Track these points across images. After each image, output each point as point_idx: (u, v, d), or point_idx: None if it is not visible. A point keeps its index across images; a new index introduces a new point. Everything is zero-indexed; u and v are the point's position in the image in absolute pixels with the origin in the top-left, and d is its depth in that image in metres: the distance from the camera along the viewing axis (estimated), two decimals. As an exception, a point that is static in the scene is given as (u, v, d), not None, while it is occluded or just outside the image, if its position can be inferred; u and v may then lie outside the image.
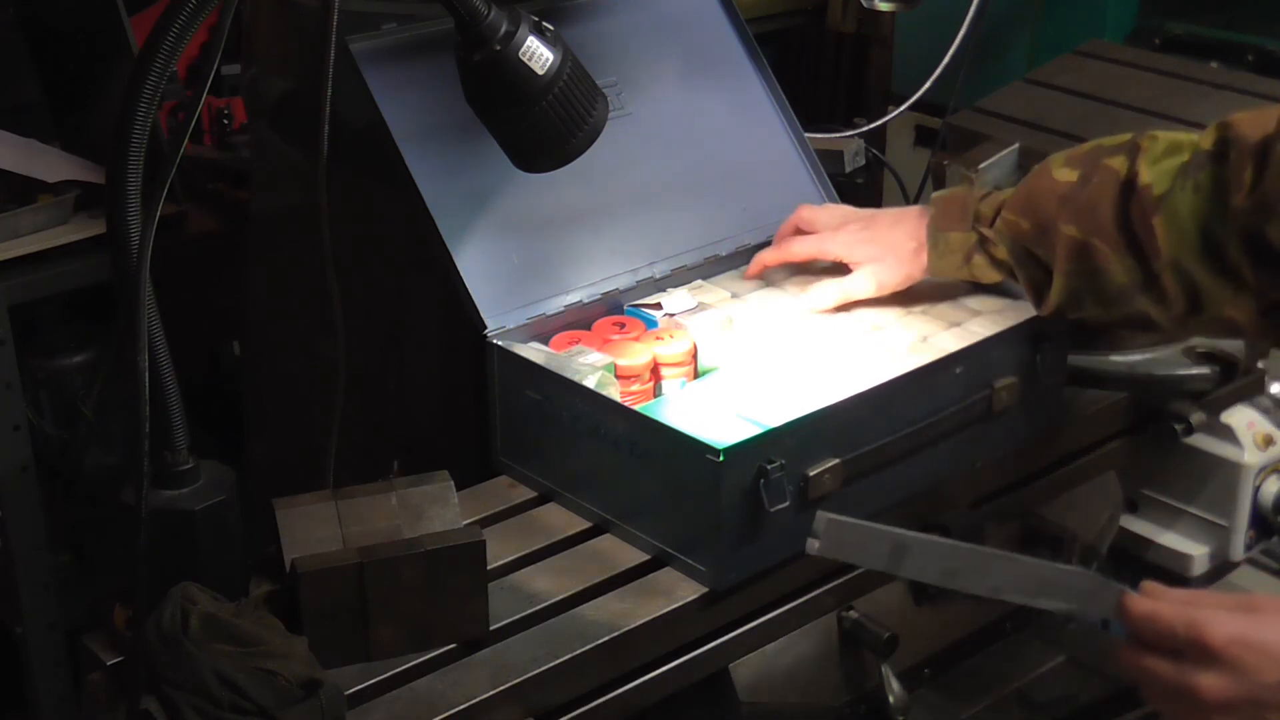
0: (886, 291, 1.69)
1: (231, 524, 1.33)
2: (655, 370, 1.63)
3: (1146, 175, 1.45)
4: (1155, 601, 1.17)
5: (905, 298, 1.72)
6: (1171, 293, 1.45)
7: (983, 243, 1.60)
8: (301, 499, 1.38)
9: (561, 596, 1.43)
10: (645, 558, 1.48)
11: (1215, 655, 1.11)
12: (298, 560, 1.31)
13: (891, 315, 1.70)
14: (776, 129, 1.91)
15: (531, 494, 1.60)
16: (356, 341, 1.50)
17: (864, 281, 1.68)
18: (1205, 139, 1.44)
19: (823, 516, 1.19)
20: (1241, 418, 1.94)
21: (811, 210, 1.76)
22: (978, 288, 1.75)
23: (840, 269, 1.72)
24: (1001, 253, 1.58)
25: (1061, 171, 1.53)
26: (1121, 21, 2.46)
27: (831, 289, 1.69)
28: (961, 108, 2.22)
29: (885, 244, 1.68)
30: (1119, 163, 1.48)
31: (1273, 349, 1.93)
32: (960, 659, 1.73)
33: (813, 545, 1.20)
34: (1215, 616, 1.13)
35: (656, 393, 1.63)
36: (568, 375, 1.53)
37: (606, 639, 1.37)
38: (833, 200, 1.91)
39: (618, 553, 1.49)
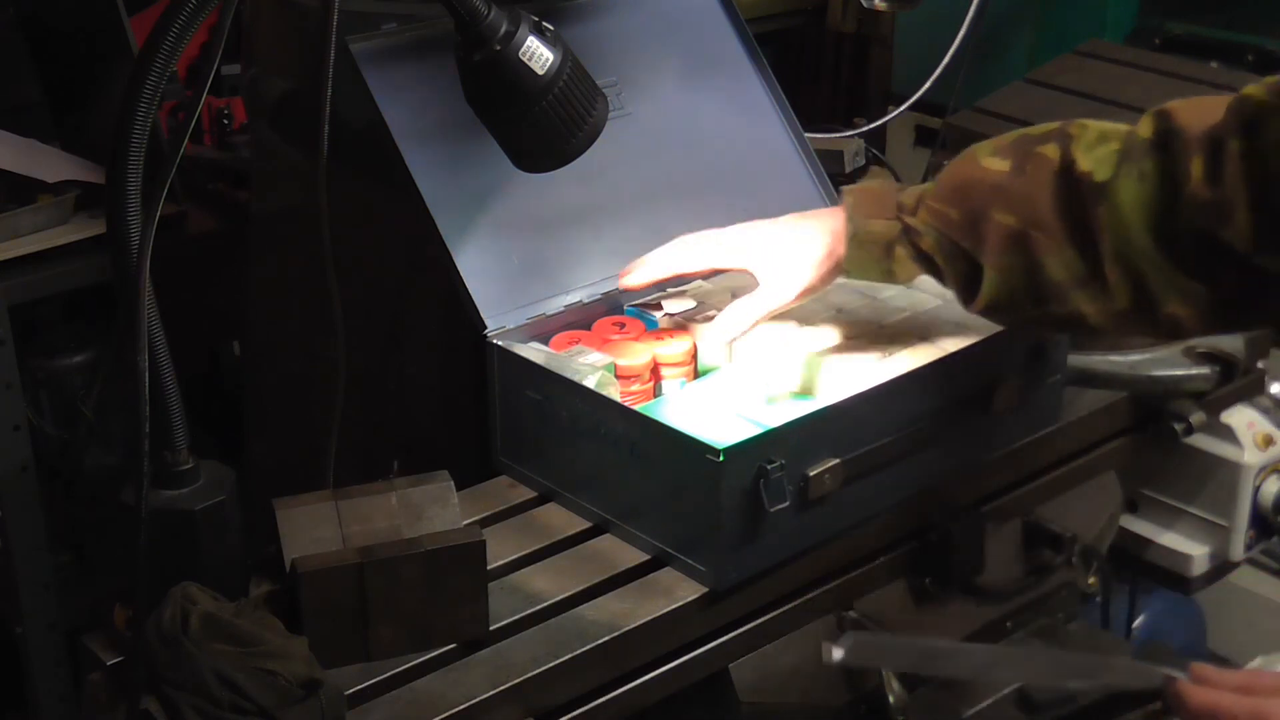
0: (805, 296, 1.56)
1: (231, 524, 1.33)
2: (655, 370, 1.63)
3: (1085, 162, 1.36)
4: (1213, 691, 1.14)
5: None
6: (1114, 287, 1.36)
7: (906, 233, 1.48)
8: (301, 499, 1.38)
9: (561, 596, 1.43)
10: (645, 558, 1.48)
11: None
12: (298, 560, 1.31)
13: (892, 314, 1.70)
14: (776, 129, 1.91)
15: (531, 494, 1.60)
16: (356, 341, 1.50)
17: (778, 289, 1.54)
18: (1143, 127, 1.36)
19: (849, 636, 1.17)
20: (1241, 418, 1.94)
21: (692, 237, 1.63)
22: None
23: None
24: (927, 244, 1.47)
25: (990, 160, 1.42)
26: (1121, 21, 2.46)
27: (742, 309, 1.56)
28: (961, 108, 2.22)
29: (791, 242, 1.55)
30: (1051, 150, 1.39)
31: (1273, 348, 1.93)
32: (960, 659, 1.73)
33: (835, 654, 1.17)
34: (1278, 705, 1.11)
35: (656, 393, 1.63)
36: (568, 375, 1.53)
37: (606, 639, 1.37)
38: (834, 201, 1.91)
39: (618, 553, 1.50)
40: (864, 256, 1.52)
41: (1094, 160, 1.36)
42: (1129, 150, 1.36)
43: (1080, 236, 1.37)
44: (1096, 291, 1.38)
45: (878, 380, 1.51)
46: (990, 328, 1.63)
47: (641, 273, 1.63)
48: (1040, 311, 1.42)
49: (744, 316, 1.56)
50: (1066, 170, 1.37)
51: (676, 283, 1.76)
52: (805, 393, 1.58)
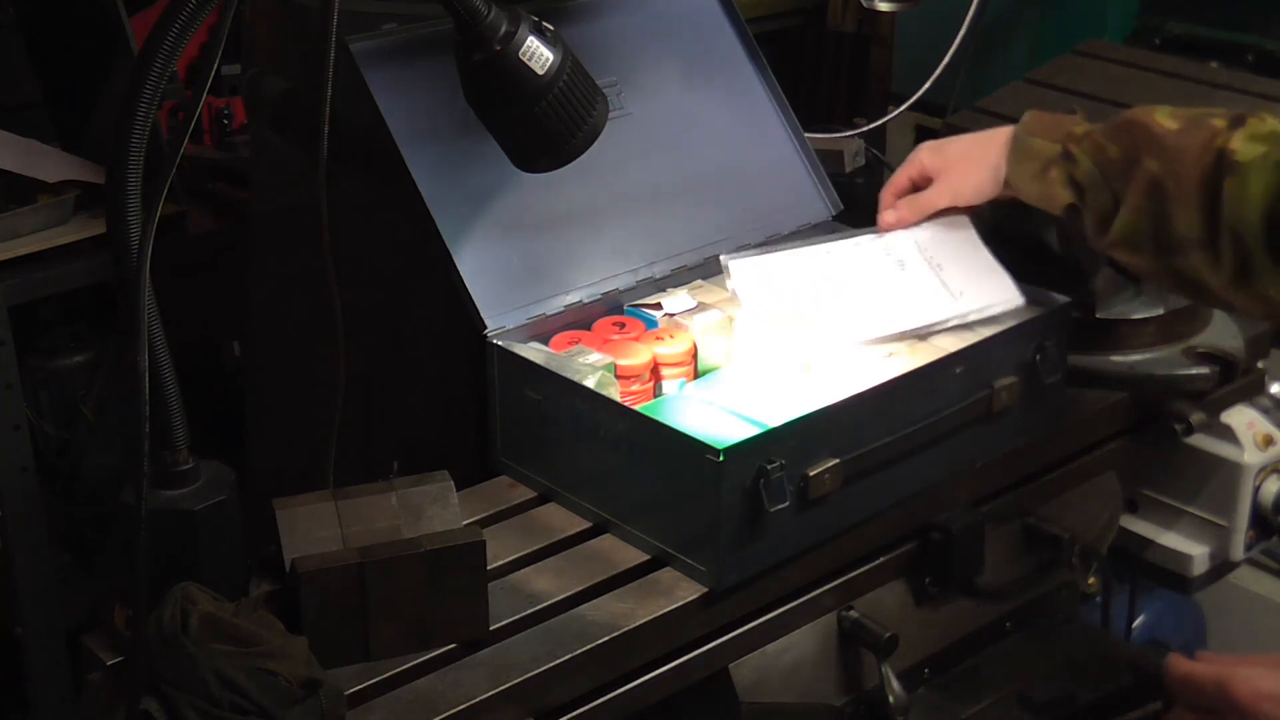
0: (963, 203, 1.70)
1: (231, 524, 1.33)
2: (655, 370, 1.63)
3: (1237, 141, 1.46)
4: (1191, 663, 1.18)
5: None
6: (1225, 256, 1.46)
7: (1065, 157, 1.59)
8: (301, 499, 1.38)
9: (561, 596, 1.43)
10: (645, 558, 1.48)
11: (1244, 710, 1.13)
12: (298, 560, 1.31)
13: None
14: (776, 129, 1.91)
15: (531, 494, 1.60)
16: (356, 342, 1.50)
17: (939, 193, 1.70)
18: None
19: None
20: (1241, 418, 1.94)
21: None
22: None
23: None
24: (1080, 172, 1.57)
25: (1164, 118, 1.53)
26: (1121, 21, 2.46)
27: (906, 207, 1.72)
28: (961, 108, 2.22)
29: (964, 154, 1.70)
30: (1220, 123, 1.49)
31: (1273, 348, 1.93)
32: (960, 659, 1.73)
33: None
34: (1244, 673, 1.15)
35: (656, 393, 1.63)
36: (568, 375, 1.53)
37: (606, 639, 1.37)
38: (834, 202, 1.91)
39: (618, 553, 1.50)
40: (1022, 171, 1.63)
41: (1246, 142, 1.46)
42: (1278, 141, 1.45)
43: (1208, 201, 1.46)
44: (1211, 256, 1.47)
45: (878, 380, 1.51)
46: (991, 327, 1.63)
47: (890, 215, 1.77)
48: (1163, 262, 1.52)
49: (908, 213, 1.73)
50: (1220, 142, 1.47)
51: (676, 281, 1.76)
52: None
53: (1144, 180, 1.51)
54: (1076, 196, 1.59)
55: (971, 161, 1.69)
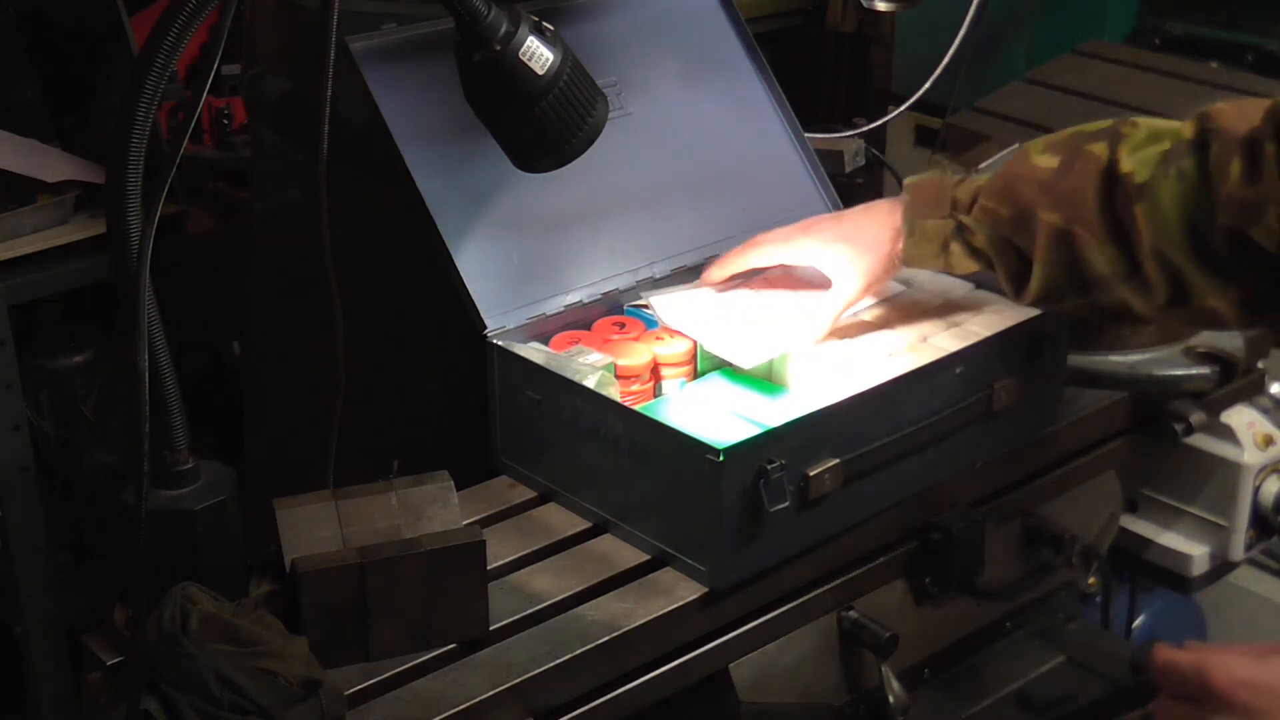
0: (874, 289, 1.65)
1: (231, 524, 1.33)
2: (655, 370, 1.63)
3: (1128, 163, 1.42)
4: (1174, 650, 1.19)
5: (906, 299, 1.72)
6: (1154, 282, 1.42)
7: (960, 230, 1.55)
8: (301, 499, 1.38)
9: (561, 596, 1.43)
10: (645, 558, 1.48)
11: (1224, 699, 1.13)
12: (298, 560, 1.31)
13: (892, 315, 1.70)
14: (776, 129, 1.91)
15: (531, 494, 1.60)
16: (356, 341, 1.50)
17: (849, 284, 1.62)
18: (1186, 128, 1.42)
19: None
20: (1241, 418, 1.94)
21: (767, 234, 1.71)
22: (978, 286, 1.75)
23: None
24: (979, 241, 1.54)
25: (1041, 158, 1.49)
26: (1121, 21, 2.46)
27: (823, 308, 1.63)
28: (961, 108, 2.22)
29: (858, 239, 1.62)
30: (1100, 149, 1.45)
31: (1273, 348, 1.93)
32: (960, 659, 1.73)
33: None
34: (1224, 661, 1.16)
35: (656, 393, 1.63)
36: (568, 375, 1.53)
37: (606, 639, 1.37)
38: (834, 202, 1.91)
39: (618, 553, 1.50)
40: (921, 251, 1.59)
41: (1137, 161, 1.42)
42: (1173, 150, 1.41)
43: (1120, 234, 1.42)
44: (1138, 286, 1.44)
45: (878, 380, 1.51)
46: (991, 327, 1.63)
47: (718, 270, 1.72)
48: (1087, 302, 1.49)
49: (823, 314, 1.64)
50: (1110, 170, 1.43)
51: (676, 281, 1.76)
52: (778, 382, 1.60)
53: (1047, 233, 1.46)
54: (983, 264, 1.56)
55: (872, 246, 1.62)
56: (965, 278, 1.76)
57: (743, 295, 1.73)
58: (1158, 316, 1.48)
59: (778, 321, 1.66)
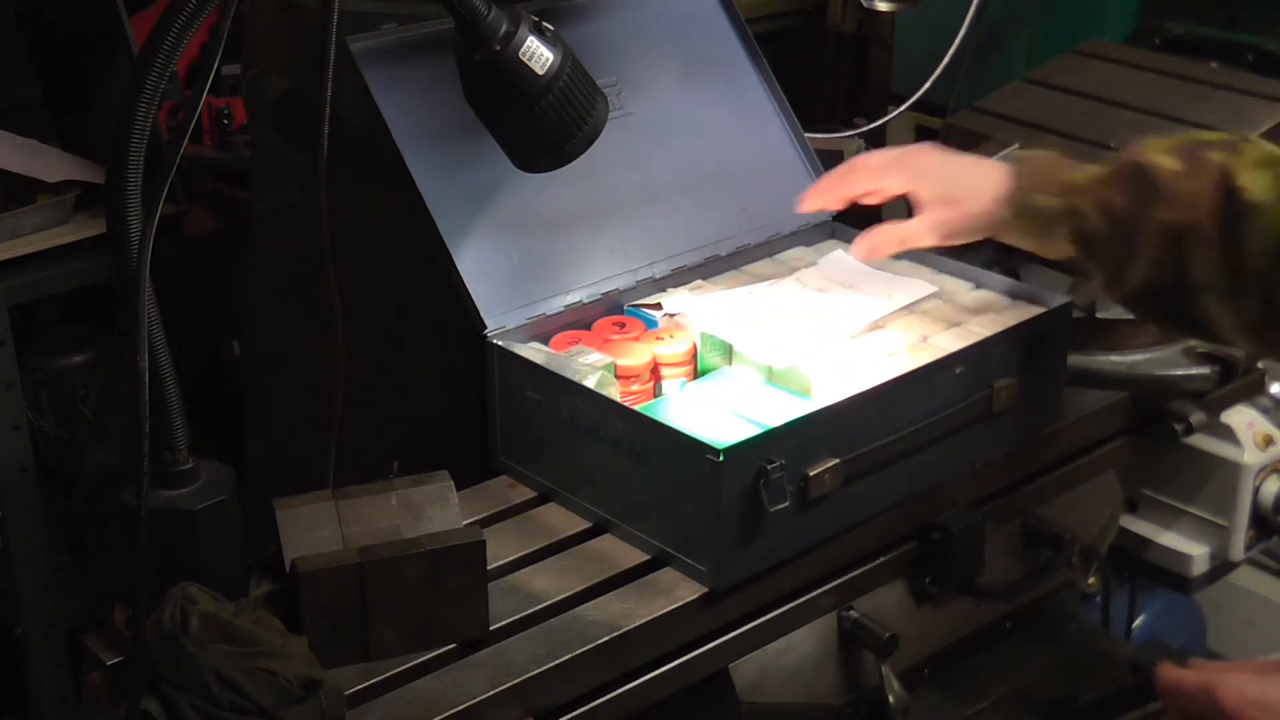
0: (948, 243, 1.62)
1: (231, 524, 1.33)
2: (655, 370, 1.63)
3: (1245, 178, 1.41)
4: (1180, 670, 1.19)
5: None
6: (1248, 302, 1.41)
7: (1071, 214, 1.51)
8: (301, 499, 1.38)
9: (561, 596, 1.43)
10: (645, 558, 1.48)
11: (1230, 718, 1.13)
12: (298, 560, 1.31)
13: (892, 315, 1.70)
14: (776, 129, 1.91)
15: (531, 494, 1.60)
16: (356, 341, 1.50)
17: (925, 229, 1.60)
18: None
19: None
20: (1241, 418, 1.94)
21: (868, 155, 1.68)
22: (977, 286, 1.75)
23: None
24: (1090, 227, 1.50)
25: (1161, 157, 1.47)
26: (1121, 21, 2.46)
27: (888, 234, 1.63)
28: (961, 108, 2.22)
29: (962, 186, 1.59)
30: (1219, 157, 1.43)
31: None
32: (960, 659, 1.73)
33: None
34: (1230, 680, 1.16)
35: (656, 393, 1.63)
36: (568, 375, 1.53)
37: (606, 639, 1.37)
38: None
39: (618, 553, 1.49)
40: (1023, 226, 1.56)
41: (1253, 179, 1.40)
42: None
43: (1229, 245, 1.41)
44: (1232, 301, 1.43)
45: (878, 380, 1.51)
46: (991, 327, 1.63)
47: (818, 197, 1.69)
48: (1179, 309, 1.47)
49: (887, 243, 1.63)
50: (1228, 181, 1.42)
51: (676, 281, 1.76)
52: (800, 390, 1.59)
53: (1158, 229, 1.45)
54: (1083, 251, 1.53)
55: (964, 203, 1.59)
56: (966, 277, 1.77)
57: (770, 296, 1.73)
58: (1243, 340, 1.47)
59: (805, 321, 1.66)
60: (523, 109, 1.45)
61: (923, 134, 2.46)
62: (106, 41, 2.08)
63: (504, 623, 1.39)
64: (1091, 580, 1.86)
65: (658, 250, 1.77)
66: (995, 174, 1.58)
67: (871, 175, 1.66)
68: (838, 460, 1.46)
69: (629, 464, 1.46)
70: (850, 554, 1.56)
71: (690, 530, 1.43)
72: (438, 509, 1.40)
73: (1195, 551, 1.98)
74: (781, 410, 1.51)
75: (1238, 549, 1.97)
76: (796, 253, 1.86)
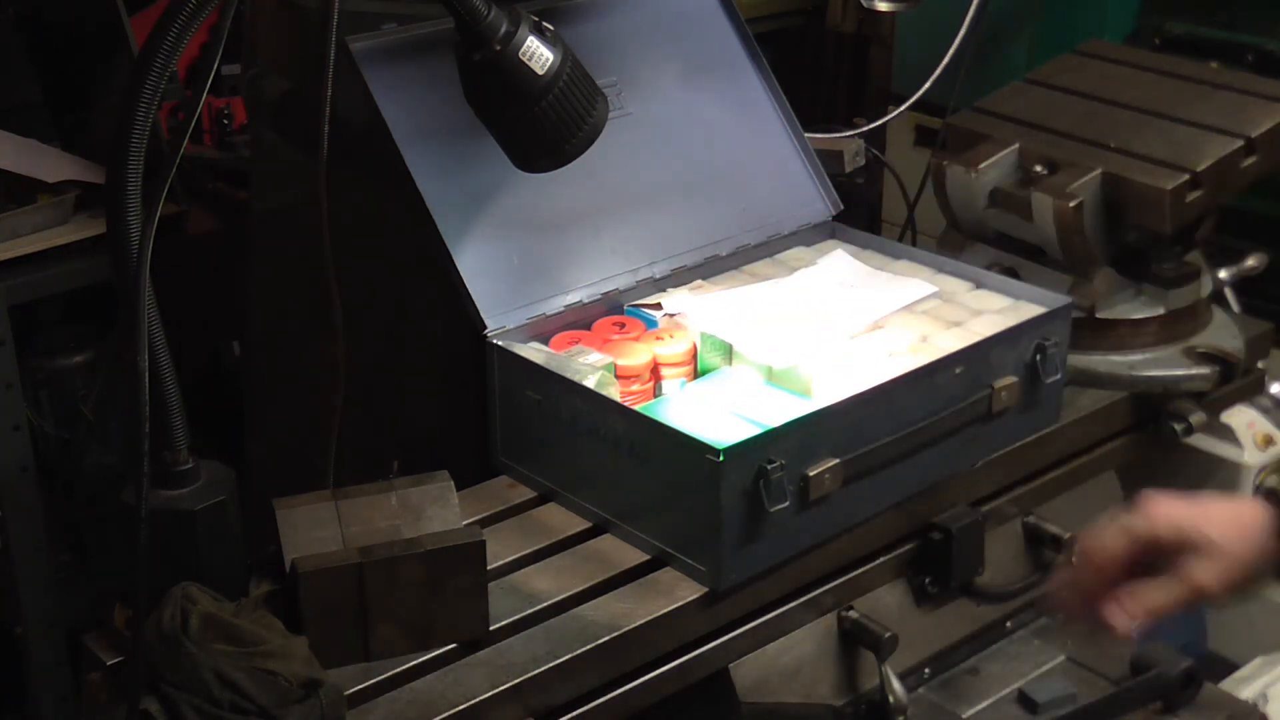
0: (1225, 592, 1.32)
1: (231, 524, 1.33)
2: (655, 370, 1.63)
3: None
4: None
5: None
6: None
7: None
8: (301, 499, 1.38)
9: (561, 596, 1.43)
10: (645, 558, 1.48)
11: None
12: (298, 560, 1.31)
13: (892, 315, 1.70)
14: (776, 129, 1.91)
15: (531, 494, 1.60)
16: (356, 341, 1.50)
17: (1181, 592, 1.32)
18: None
19: None
20: (1241, 418, 1.94)
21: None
22: (977, 286, 1.75)
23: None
24: None
25: None
26: (1121, 21, 2.46)
27: (1139, 606, 1.33)
28: (961, 108, 2.21)
29: (1226, 524, 1.33)
30: None
31: (1273, 348, 1.92)
32: (960, 659, 1.73)
33: None
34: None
35: (656, 393, 1.63)
36: (568, 375, 1.53)
37: (606, 639, 1.37)
38: (834, 202, 1.91)
39: (618, 553, 1.49)
40: None
41: None
42: None
43: None
44: None
45: (878, 380, 1.51)
46: (991, 327, 1.63)
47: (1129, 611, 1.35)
48: None
49: (1159, 607, 1.34)
50: None
51: (676, 281, 1.76)
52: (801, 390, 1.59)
53: None
54: None
55: (1230, 554, 1.31)
56: (966, 277, 1.76)
57: (770, 296, 1.73)
58: None
59: (805, 321, 1.66)
60: (523, 109, 1.45)
61: (923, 134, 2.47)
62: (106, 41, 2.08)
63: (504, 623, 1.39)
64: (1092, 580, 1.86)
65: (658, 250, 1.77)
66: (1253, 514, 1.34)
67: (1117, 549, 1.35)
68: (838, 460, 1.46)
69: (629, 464, 1.46)
70: (850, 554, 1.56)
71: (690, 530, 1.43)
72: (438, 509, 1.40)
73: (1195, 551, 1.98)
74: (781, 410, 1.51)
75: (1238, 549, 1.96)
76: (796, 253, 1.86)
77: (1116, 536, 1.34)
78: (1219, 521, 1.32)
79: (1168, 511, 1.34)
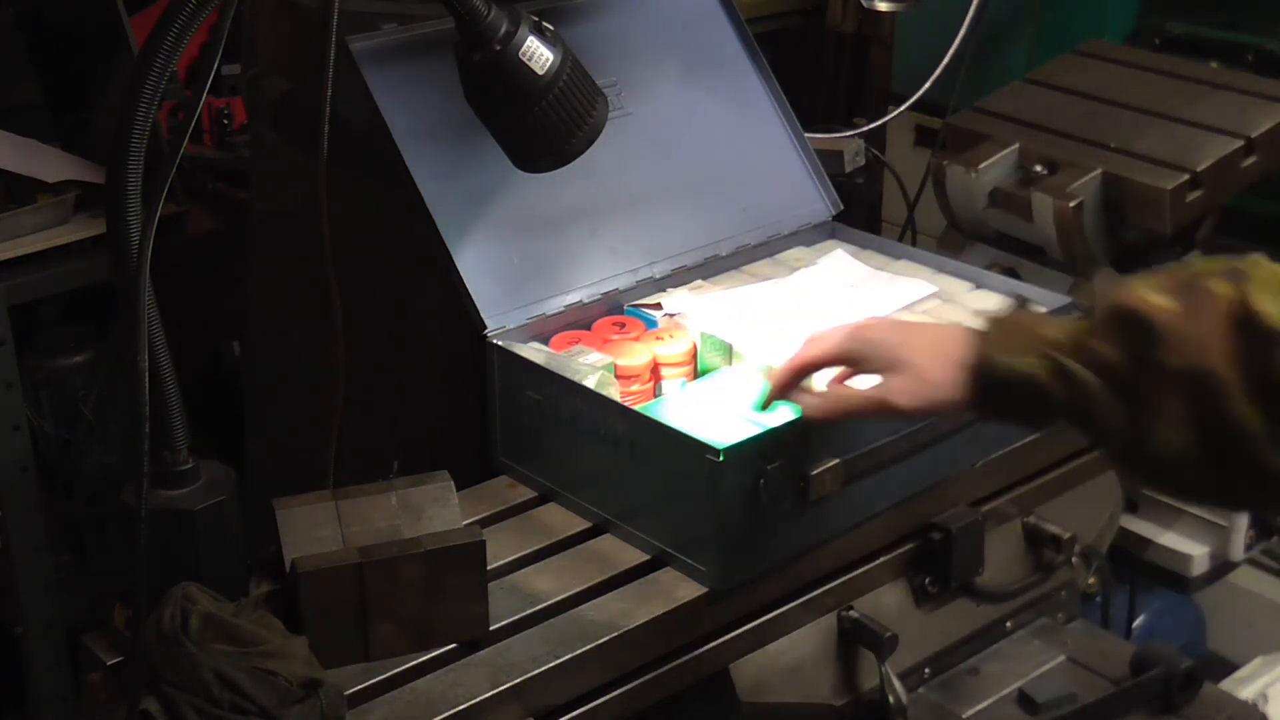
0: (907, 412, 1.36)
1: (231, 524, 1.33)
2: (655, 370, 1.63)
3: (1261, 303, 1.17)
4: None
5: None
6: None
7: (1061, 375, 1.25)
8: (301, 499, 1.38)
9: (561, 596, 1.43)
10: (645, 558, 1.48)
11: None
12: (298, 560, 1.31)
13: (893, 314, 1.70)
14: (776, 129, 1.91)
15: (531, 494, 1.60)
16: (356, 341, 1.50)
17: (894, 394, 1.36)
18: None
19: None
20: (1241, 417, 1.93)
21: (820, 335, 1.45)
22: (977, 286, 1.75)
23: None
24: (1085, 389, 1.24)
25: (1155, 295, 1.22)
26: (1121, 21, 2.46)
27: (862, 394, 1.39)
28: (961, 108, 2.22)
29: (918, 351, 1.36)
30: (1221, 288, 1.20)
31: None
32: (960, 659, 1.73)
33: None
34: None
35: (656, 393, 1.63)
36: (568, 375, 1.53)
37: (606, 639, 1.37)
38: (834, 202, 1.91)
39: (618, 553, 1.50)
40: (1007, 398, 1.31)
41: (1273, 303, 1.17)
42: None
43: (1259, 386, 1.17)
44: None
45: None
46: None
47: (777, 393, 1.45)
48: (1224, 473, 1.22)
49: (844, 402, 1.40)
50: (1241, 311, 1.19)
51: (676, 281, 1.76)
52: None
53: (1176, 384, 1.19)
54: (1080, 421, 1.27)
55: (920, 370, 1.34)
56: (966, 277, 1.77)
57: (770, 296, 1.73)
58: None
59: (805, 321, 1.66)
60: (523, 109, 1.45)
61: (923, 134, 2.47)
62: (106, 41, 2.08)
63: (504, 623, 1.39)
64: (1091, 580, 1.86)
65: (658, 250, 1.77)
66: (957, 336, 1.35)
67: (824, 354, 1.43)
68: (838, 460, 1.46)
69: (629, 464, 1.46)
70: (850, 554, 1.56)
71: (690, 530, 1.43)
72: (438, 509, 1.40)
73: (1195, 551, 1.98)
74: (781, 410, 1.50)
75: (1237, 549, 1.97)
76: (796, 253, 1.86)
77: (834, 342, 1.42)
78: (920, 344, 1.38)
79: (877, 329, 1.42)
